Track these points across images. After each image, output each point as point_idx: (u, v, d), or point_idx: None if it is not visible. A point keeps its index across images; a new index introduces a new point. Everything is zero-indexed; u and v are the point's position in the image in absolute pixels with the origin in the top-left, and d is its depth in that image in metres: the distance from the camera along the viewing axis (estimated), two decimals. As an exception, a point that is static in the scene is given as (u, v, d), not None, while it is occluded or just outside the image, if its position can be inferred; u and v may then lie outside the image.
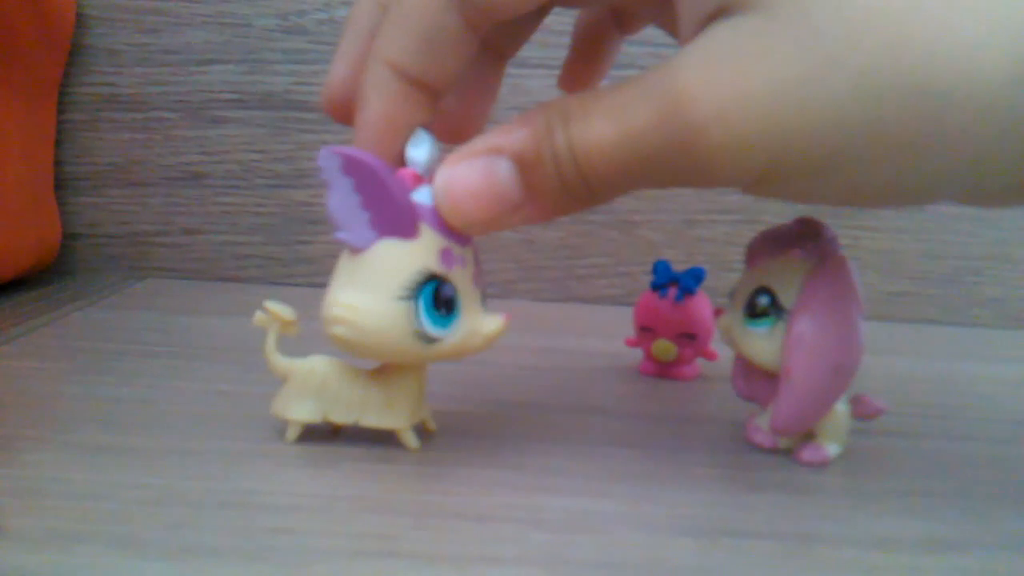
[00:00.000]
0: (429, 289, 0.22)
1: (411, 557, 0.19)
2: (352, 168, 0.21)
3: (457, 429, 0.27)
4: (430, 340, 0.22)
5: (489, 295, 0.24)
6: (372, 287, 0.22)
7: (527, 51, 0.27)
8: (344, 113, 0.24)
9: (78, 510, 0.20)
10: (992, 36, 0.16)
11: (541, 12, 0.25)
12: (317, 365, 0.24)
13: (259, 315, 0.24)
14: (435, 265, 0.22)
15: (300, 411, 0.24)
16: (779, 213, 0.48)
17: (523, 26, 0.26)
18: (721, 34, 0.18)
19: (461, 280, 0.22)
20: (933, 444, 0.28)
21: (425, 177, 0.23)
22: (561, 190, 0.20)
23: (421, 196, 0.22)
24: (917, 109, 0.17)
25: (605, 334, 0.39)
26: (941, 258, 0.49)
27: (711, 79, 0.18)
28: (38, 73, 0.45)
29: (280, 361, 0.25)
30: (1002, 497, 0.24)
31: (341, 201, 0.22)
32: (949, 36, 0.16)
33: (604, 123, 0.19)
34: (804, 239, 0.25)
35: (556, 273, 0.50)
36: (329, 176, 0.21)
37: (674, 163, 0.19)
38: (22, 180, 0.44)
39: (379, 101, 0.22)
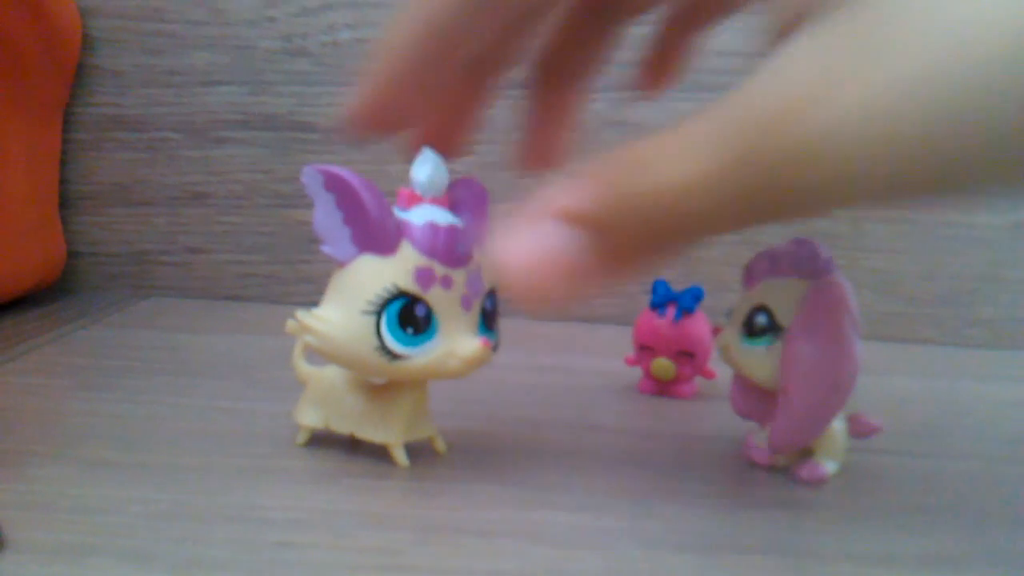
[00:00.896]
0: (396, 306, 0.22)
1: (414, 572, 0.19)
2: (333, 184, 0.22)
3: (458, 445, 0.27)
4: (393, 356, 0.22)
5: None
6: (344, 300, 0.22)
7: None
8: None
9: (85, 524, 0.20)
10: None
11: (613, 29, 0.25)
12: (329, 374, 0.25)
13: (290, 323, 0.25)
14: (407, 283, 0.22)
15: (307, 416, 0.26)
16: (776, 234, 0.48)
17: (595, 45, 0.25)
18: (806, 46, 0.16)
19: (442, 301, 0.22)
20: (929, 462, 0.28)
21: (425, 197, 0.23)
22: (640, 247, 0.18)
23: (415, 215, 0.22)
24: None
25: (604, 353, 0.40)
26: (936, 279, 0.49)
27: (821, 86, 0.15)
28: (43, 93, 0.46)
29: (303, 367, 0.26)
30: (997, 514, 0.24)
31: (325, 216, 0.22)
32: None
33: (687, 163, 0.16)
34: (801, 259, 0.25)
35: (555, 292, 0.50)
36: (313, 192, 0.22)
37: (766, 196, 0.16)
38: (27, 199, 0.45)
39: (395, 55, 0.22)
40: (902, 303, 0.50)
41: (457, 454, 0.26)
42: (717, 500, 0.24)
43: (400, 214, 0.23)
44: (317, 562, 0.19)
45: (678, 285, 0.35)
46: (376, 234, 0.22)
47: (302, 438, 0.26)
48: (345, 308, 0.22)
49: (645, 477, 0.25)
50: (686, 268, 0.49)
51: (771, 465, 0.26)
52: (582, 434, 0.29)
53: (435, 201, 0.23)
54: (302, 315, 0.23)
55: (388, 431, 0.24)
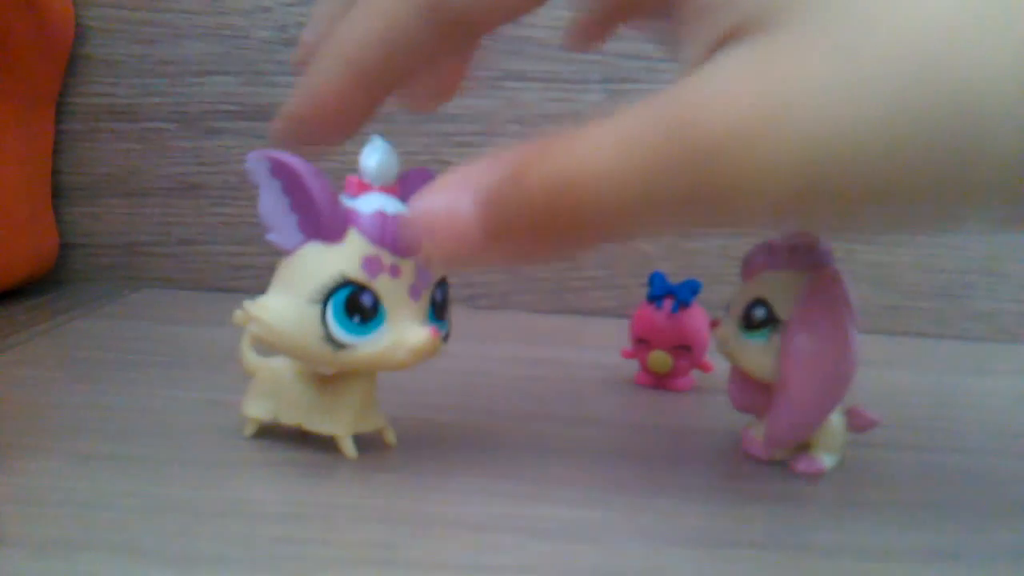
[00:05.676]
0: (343, 294, 0.22)
1: (411, 566, 0.19)
2: (279, 171, 0.22)
3: (454, 439, 0.27)
4: (339, 345, 0.22)
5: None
6: (290, 288, 0.22)
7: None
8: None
9: (78, 518, 0.20)
10: None
11: None
12: (277, 365, 0.25)
13: (237, 313, 0.25)
14: (354, 271, 0.22)
15: (254, 408, 0.25)
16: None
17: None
18: (739, 53, 0.17)
19: (390, 290, 0.22)
20: (926, 456, 0.28)
21: (373, 185, 0.23)
22: (530, 233, 0.18)
23: (363, 203, 0.22)
24: (957, 131, 0.16)
25: (601, 346, 0.40)
26: (934, 271, 0.49)
27: (732, 94, 0.16)
28: (36, 83, 0.45)
29: (251, 359, 0.26)
30: (995, 508, 0.24)
31: (271, 203, 0.22)
32: (984, 60, 0.15)
33: (596, 154, 0.17)
34: (799, 251, 0.25)
35: (551, 285, 0.50)
36: (259, 179, 0.22)
37: (685, 190, 0.17)
38: (20, 190, 0.44)
39: (323, 83, 0.22)
40: (900, 296, 0.50)
41: (453, 448, 0.26)
42: (714, 494, 0.24)
43: (348, 202, 0.23)
44: (312, 557, 0.19)
45: (675, 278, 0.34)
46: (323, 222, 0.22)
47: (249, 430, 0.25)
48: (291, 296, 0.22)
49: (642, 471, 0.25)
50: (683, 260, 0.49)
51: (769, 459, 0.26)
52: (578, 427, 0.29)
53: (384, 189, 0.23)
54: (248, 304, 0.23)
55: (336, 422, 0.24)
